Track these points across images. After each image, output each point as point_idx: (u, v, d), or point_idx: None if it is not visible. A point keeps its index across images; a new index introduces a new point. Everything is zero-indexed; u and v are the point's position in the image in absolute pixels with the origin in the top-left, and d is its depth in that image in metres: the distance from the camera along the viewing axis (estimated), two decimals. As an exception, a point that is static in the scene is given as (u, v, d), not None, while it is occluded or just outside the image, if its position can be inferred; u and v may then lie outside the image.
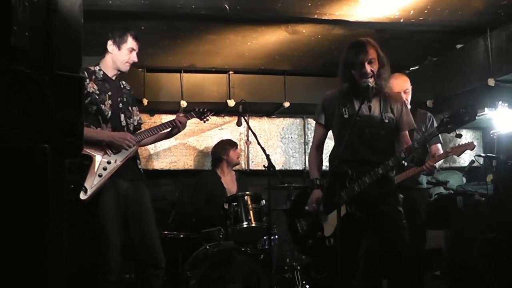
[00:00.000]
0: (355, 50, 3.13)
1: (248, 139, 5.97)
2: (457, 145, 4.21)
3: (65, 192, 1.84)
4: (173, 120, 3.85)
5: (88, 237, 3.63)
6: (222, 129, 5.91)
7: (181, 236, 4.56)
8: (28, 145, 1.58)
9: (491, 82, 4.55)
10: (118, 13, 4.01)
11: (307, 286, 4.58)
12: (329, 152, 3.33)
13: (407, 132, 3.19)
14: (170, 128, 3.85)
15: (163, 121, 4.02)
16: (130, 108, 3.75)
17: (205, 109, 4.24)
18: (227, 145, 5.32)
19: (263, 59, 5.33)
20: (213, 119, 5.42)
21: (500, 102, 4.76)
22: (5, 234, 1.52)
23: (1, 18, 1.50)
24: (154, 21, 4.21)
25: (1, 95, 1.56)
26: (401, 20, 4.30)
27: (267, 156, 4.21)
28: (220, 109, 5.69)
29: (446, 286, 4.87)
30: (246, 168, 5.91)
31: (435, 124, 4.23)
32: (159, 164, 5.79)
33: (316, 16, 4.19)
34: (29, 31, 1.59)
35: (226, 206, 4.42)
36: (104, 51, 3.66)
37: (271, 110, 6.06)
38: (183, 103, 5.52)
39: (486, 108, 4.90)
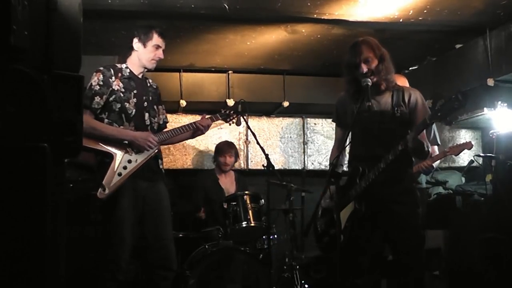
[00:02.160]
0: (350, 52, 3.16)
1: (247, 139, 5.97)
2: (455, 144, 4.22)
3: (64, 192, 1.84)
4: (197, 122, 3.81)
5: (99, 235, 3.62)
6: (221, 128, 5.90)
7: (180, 235, 4.56)
8: (27, 144, 1.57)
9: (490, 82, 4.55)
10: (117, 12, 4.01)
11: (306, 286, 4.58)
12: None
13: None
14: (193, 130, 3.80)
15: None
16: (155, 107, 3.72)
17: (231, 111, 4.10)
18: (219, 149, 5.27)
19: (263, 58, 5.33)
20: (212, 119, 5.43)
21: (499, 102, 4.76)
22: (3, 234, 1.52)
23: (1, 17, 1.50)
24: (154, 20, 4.20)
25: (1, 94, 1.56)
26: (401, 20, 4.31)
27: (266, 156, 4.20)
28: (219, 109, 5.68)
29: (445, 286, 4.87)
30: (245, 167, 5.91)
31: (434, 124, 4.25)
32: (158, 163, 5.78)
33: (315, 15, 4.20)
34: (28, 30, 1.59)
35: (225, 206, 4.42)
36: (130, 49, 3.63)
37: (270, 109, 6.06)
38: (183, 103, 5.52)
39: (485, 108, 4.90)
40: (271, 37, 4.74)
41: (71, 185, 3.94)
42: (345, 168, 3.51)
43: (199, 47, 4.95)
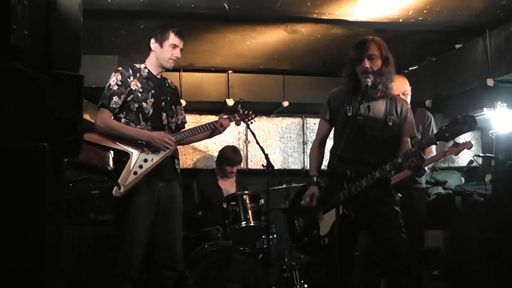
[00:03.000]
0: (357, 47, 3.16)
1: (247, 139, 5.97)
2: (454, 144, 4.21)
3: (64, 191, 1.84)
4: (215, 121, 3.80)
5: (99, 235, 3.62)
6: (221, 128, 5.89)
7: (180, 235, 4.56)
8: (27, 144, 1.57)
9: (490, 82, 4.56)
10: (117, 12, 4.01)
11: (306, 286, 4.58)
12: (329, 149, 3.34)
13: (408, 138, 3.17)
14: (211, 130, 3.80)
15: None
16: (173, 107, 3.73)
17: (250, 111, 4.07)
18: (229, 159, 5.19)
19: (262, 58, 5.33)
20: (211, 119, 5.42)
21: (499, 102, 4.77)
22: (3, 233, 1.52)
23: (1, 17, 1.50)
24: (153, 20, 4.21)
25: (0, 93, 1.56)
26: (400, 20, 4.31)
27: (266, 156, 4.19)
28: (219, 109, 5.70)
29: (444, 286, 4.87)
30: (245, 167, 5.91)
31: (433, 123, 4.26)
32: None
33: (315, 15, 4.20)
34: (28, 30, 1.59)
35: (224, 206, 4.42)
36: (148, 49, 3.64)
37: (270, 109, 6.06)
38: (182, 102, 5.51)
39: (485, 108, 4.90)
40: (271, 37, 4.74)
41: (71, 184, 3.96)
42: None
43: (198, 46, 4.95)
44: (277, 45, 4.94)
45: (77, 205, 4.02)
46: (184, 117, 3.88)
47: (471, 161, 4.95)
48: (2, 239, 1.52)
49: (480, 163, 5.12)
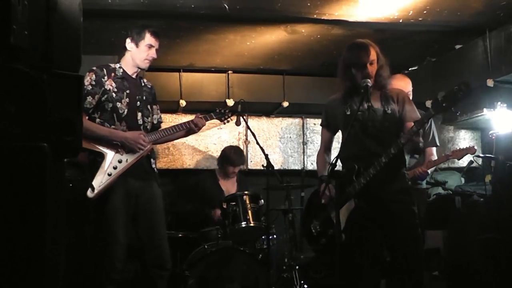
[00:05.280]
0: (358, 51, 3.16)
1: (247, 139, 5.97)
2: (457, 148, 4.22)
3: (64, 191, 1.83)
4: (190, 121, 3.80)
5: (96, 235, 3.62)
6: (221, 128, 5.89)
7: (180, 235, 4.56)
8: (27, 144, 1.57)
9: (490, 82, 4.56)
10: (117, 12, 4.01)
11: (305, 286, 4.58)
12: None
13: (411, 123, 3.12)
14: (186, 129, 3.80)
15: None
16: (149, 106, 3.73)
17: (226, 110, 4.08)
18: (231, 160, 5.18)
19: (262, 58, 5.33)
20: (212, 119, 5.42)
21: (499, 103, 4.77)
22: (3, 234, 1.52)
23: (1, 17, 1.50)
24: (153, 20, 4.20)
25: (0, 93, 1.56)
26: (400, 21, 4.31)
27: (266, 156, 4.20)
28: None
29: (444, 286, 4.87)
30: (245, 167, 5.91)
31: (433, 125, 4.26)
32: (157, 163, 5.76)
33: (315, 16, 4.20)
34: (28, 30, 1.59)
35: (224, 206, 4.42)
36: (124, 49, 3.64)
37: (270, 109, 6.06)
38: (182, 103, 5.52)
39: (485, 109, 4.91)
40: (271, 37, 4.74)
41: (71, 184, 3.95)
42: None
43: (198, 47, 4.95)
44: (277, 45, 4.94)
45: (77, 205, 4.01)
46: (160, 117, 3.88)
47: (471, 162, 4.95)
48: (2, 239, 1.52)
49: (480, 163, 5.12)
